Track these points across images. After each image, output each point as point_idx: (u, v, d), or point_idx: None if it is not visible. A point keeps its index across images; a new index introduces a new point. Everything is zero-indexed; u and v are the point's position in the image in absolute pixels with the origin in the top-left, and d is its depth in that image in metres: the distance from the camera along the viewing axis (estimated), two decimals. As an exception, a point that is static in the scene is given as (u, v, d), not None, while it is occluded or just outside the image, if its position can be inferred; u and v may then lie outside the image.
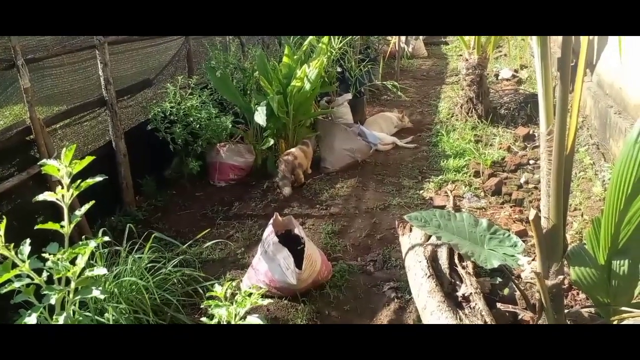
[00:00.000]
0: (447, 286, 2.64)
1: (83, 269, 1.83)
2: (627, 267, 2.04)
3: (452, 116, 6.20)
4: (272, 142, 4.78)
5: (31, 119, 3.05)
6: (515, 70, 7.63)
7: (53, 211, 2.79)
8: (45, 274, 1.80)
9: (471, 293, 2.50)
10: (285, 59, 4.89)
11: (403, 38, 9.16)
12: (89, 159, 1.88)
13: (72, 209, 1.89)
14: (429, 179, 4.54)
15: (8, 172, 3.03)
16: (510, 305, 2.49)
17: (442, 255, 2.85)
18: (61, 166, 1.85)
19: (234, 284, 2.14)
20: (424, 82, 8.22)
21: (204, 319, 2.08)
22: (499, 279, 2.87)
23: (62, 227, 1.84)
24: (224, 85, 4.76)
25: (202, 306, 2.13)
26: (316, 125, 5.37)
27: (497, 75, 7.58)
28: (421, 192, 4.31)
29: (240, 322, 1.94)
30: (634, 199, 1.93)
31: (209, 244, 3.47)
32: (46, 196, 1.85)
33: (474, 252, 2.24)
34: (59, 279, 1.82)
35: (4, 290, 1.72)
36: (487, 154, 4.85)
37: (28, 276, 1.77)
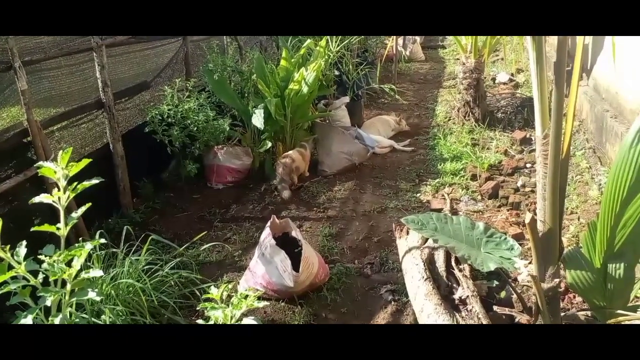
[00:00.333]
0: (444, 289, 2.65)
1: (79, 271, 1.82)
2: (623, 270, 2.05)
3: (449, 119, 6.21)
4: (269, 144, 4.78)
5: (28, 121, 3.05)
6: (512, 74, 7.66)
7: (50, 213, 2.78)
8: (41, 276, 1.80)
9: (468, 296, 2.50)
10: (283, 62, 4.90)
11: (400, 41, 9.18)
12: (85, 162, 1.88)
13: (68, 211, 1.89)
14: (426, 182, 4.54)
15: (5, 174, 3.02)
16: (506, 308, 2.50)
17: (439, 258, 2.86)
18: (58, 168, 1.85)
19: (230, 286, 2.14)
20: (421, 86, 8.24)
21: (200, 322, 2.08)
22: (496, 282, 2.88)
23: (58, 229, 1.83)
24: (222, 88, 4.76)
25: (198, 308, 2.13)
26: (314, 128, 5.37)
27: (494, 79, 7.61)
28: (418, 195, 4.32)
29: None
30: (630, 202, 1.94)
31: (206, 246, 3.46)
32: (42, 198, 1.85)
33: (470, 255, 2.25)
34: (55, 281, 1.81)
35: (0, 292, 1.71)
36: (484, 157, 4.86)
37: (24, 278, 1.76)
